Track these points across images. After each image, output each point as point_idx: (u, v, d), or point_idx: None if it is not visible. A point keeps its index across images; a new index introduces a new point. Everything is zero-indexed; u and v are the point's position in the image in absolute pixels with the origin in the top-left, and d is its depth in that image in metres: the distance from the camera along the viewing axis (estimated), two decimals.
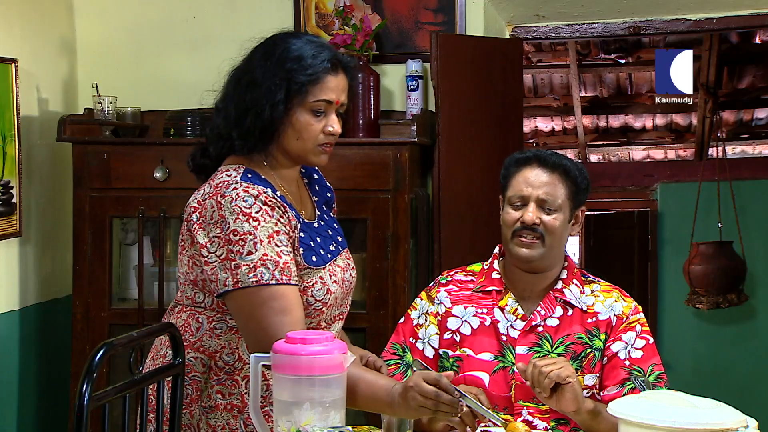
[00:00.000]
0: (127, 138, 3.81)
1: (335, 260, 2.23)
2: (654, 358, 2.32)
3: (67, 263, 3.80)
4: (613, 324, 2.33)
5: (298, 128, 2.15)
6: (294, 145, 2.16)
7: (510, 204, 2.34)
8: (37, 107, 3.79)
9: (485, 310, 2.36)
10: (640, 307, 2.39)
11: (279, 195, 2.15)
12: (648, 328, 2.36)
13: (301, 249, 2.14)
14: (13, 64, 3.56)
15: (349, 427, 2.00)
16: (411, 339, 2.40)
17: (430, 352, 2.38)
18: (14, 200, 3.58)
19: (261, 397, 2.13)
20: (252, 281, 2.04)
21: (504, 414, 2.28)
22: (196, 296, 2.18)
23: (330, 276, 2.18)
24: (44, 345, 3.82)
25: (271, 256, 2.06)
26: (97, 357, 1.76)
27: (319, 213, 2.29)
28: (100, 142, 3.71)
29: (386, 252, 3.51)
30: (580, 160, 2.44)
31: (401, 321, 2.46)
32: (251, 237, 2.05)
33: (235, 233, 2.06)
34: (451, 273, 2.48)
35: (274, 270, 2.05)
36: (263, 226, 2.07)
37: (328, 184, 2.41)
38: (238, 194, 2.08)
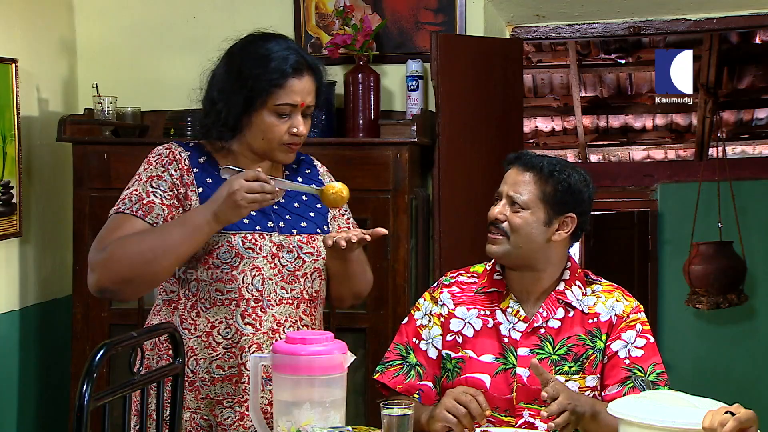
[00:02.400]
0: (127, 138, 3.81)
1: (268, 234, 2.28)
2: (655, 357, 2.31)
3: (67, 263, 3.80)
4: (614, 323, 2.32)
5: (262, 129, 2.25)
6: (259, 143, 2.27)
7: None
8: (37, 107, 3.79)
9: (488, 312, 2.36)
10: (641, 307, 2.38)
11: (203, 162, 2.29)
12: (649, 327, 2.35)
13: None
14: (13, 64, 3.56)
15: (349, 427, 2.00)
16: (414, 339, 2.40)
17: (433, 353, 2.37)
18: (14, 200, 3.59)
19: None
20: (114, 209, 2.24)
21: (506, 416, 2.28)
22: None
23: (243, 243, 2.24)
24: (44, 345, 3.82)
25: (139, 193, 2.23)
26: (97, 357, 1.76)
27: (284, 200, 2.35)
28: (100, 142, 3.71)
29: (386, 252, 3.51)
30: (584, 172, 2.39)
31: (404, 322, 2.45)
32: (137, 176, 2.28)
33: (135, 174, 2.30)
34: (454, 274, 2.47)
35: (135, 203, 2.22)
36: (149, 169, 2.27)
37: (320, 178, 2.45)
38: (158, 149, 2.31)
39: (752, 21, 4.19)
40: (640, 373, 2.27)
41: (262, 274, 2.26)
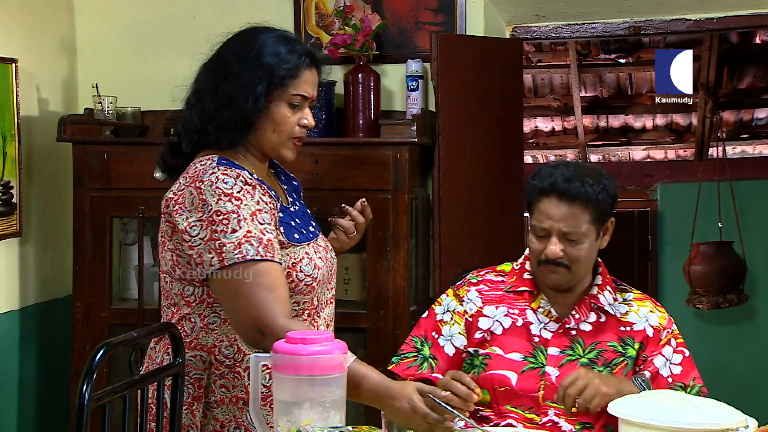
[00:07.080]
0: (127, 138, 3.81)
1: (316, 240, 2.27)
2: (693, 371, 2.36)
3: (67, 263, 3.79)
4: (651, 336, 2.35)
5: (276, 120, 2.19)
6: (270, 137, 2.21)
7: (534, 233, 2.33)
8: (37, 107, 3.79)
9: (517, 311, 2.37)
10: (672, 319, 2.41)
11: (257, 177, 2.18)
12: (682, 340, 2.38)
13: (281, 228, 2.17)
14: (13, 64, 3.56)
15: (350, 427, 2.00)
16: (433, 333, 2.40)
17: (450, 350, 2.38)
18: (14, 200, 3.59)
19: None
20: (237, 257, 2.05)
21: (530, 413, 2.29)
22: (185, 291, 2.18)
23: (315, 252, 2.22)
24: (44, 345, 3.82)
25: (255, 233, 2.07)
26: (97, 357, 1.76)
27: (291, 199, 2.33)
28: (100, 142, 3.71)
29: (386, 252, 3.51)
30: (603, 171, 2.35)
31: (424, 316, 2.47)
32: (234, 215, 2.07)
33: (218, 213, 2.08)
34: (482, 273, 2.48)
35: (258, 246, 2.06)
36: (245, 205, 2.09)
37: (291, 175, 2.45)
38: (217, 177, 2.11)
39: (752, 21, 4.19)
40: (682, 391, 2.30)
41: (325, 279, 2.25)
